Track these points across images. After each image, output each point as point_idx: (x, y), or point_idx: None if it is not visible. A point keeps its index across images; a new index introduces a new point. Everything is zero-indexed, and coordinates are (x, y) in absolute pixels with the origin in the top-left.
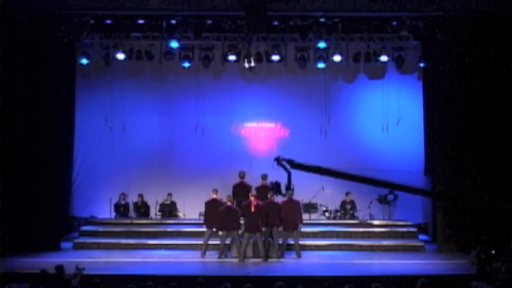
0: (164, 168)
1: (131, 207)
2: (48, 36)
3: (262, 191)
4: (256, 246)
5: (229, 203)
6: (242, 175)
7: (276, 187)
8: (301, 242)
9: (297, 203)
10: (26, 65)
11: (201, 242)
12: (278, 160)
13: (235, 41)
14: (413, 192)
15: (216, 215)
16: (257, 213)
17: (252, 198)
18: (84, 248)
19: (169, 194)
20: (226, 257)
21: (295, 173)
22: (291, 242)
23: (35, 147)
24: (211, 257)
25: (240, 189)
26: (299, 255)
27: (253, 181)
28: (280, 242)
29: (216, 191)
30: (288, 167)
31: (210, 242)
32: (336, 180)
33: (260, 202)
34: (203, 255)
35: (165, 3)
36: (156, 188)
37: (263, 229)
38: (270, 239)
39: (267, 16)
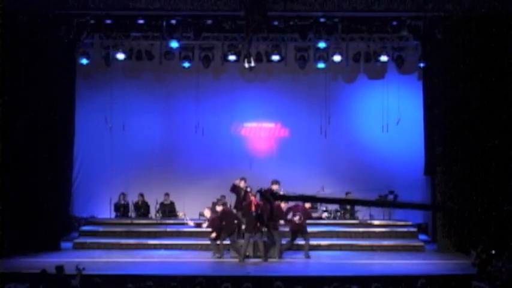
0: (164, 168)
1: (131, 207)
2: (48, 36)
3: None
4: (256, 246)
5: (222, 207)
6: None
7: (259, 218)
8: (300, 242)
9: (303, 206)
10: (26, 65)
11: (200, 242)
12: (261, 193)
13: (235, 41)
14: (404, 207)
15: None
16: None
17: (252, 198)
18: (84, 248)
19: (167, 194)
20: (224, 257)
21: (297, 172)
22: (301, 242)
23: (35, 147)
24: (211, 257)
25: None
26: (307, 256)
27: (254, 181)
28: (280, 242)
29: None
30: (272, 199)
31: (207, 242)
32: (336, 181)
33: (260, 202)
34: (221, 255)
35: (165, 3)
36: (156, 188)
37: (263, 229)
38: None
39: (267, 16)
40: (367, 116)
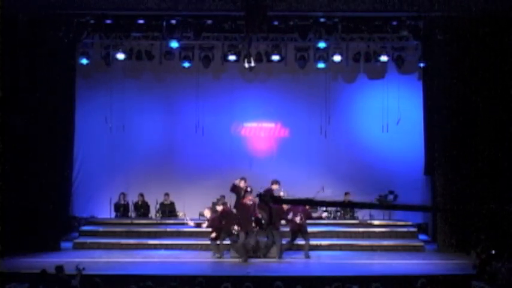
0: (164, 168)
1: (131, 207)
2: (48, 36)
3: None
4: (256, 246)
5: (222, 207)
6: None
7: (258, 222)
8: (300, 242)
9: (303, 206)
10: (26, 65)
11: (200, 242)
12: (261, 197)
13: (235, 41)
14: (401, 209)
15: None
16: (252, 213)
17: (247, 199)
18: (84, 248)
19: (167, 194)
20: (224, 257)
21: (297, 172)
22: (301, 242)
23: (35, 147)
24: (211, 257)
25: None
26: (307, 256)
27: (254, 181)
28: (281, 242)
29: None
30: (270, 202)
31: (207, 242)
32: (336, 181)
33: (250, 202)
34: (221, 255)
35: (165, 3)
36: (156, 188)
37: (262, 229)
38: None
39: (267, 16)
40: (367, 116)
